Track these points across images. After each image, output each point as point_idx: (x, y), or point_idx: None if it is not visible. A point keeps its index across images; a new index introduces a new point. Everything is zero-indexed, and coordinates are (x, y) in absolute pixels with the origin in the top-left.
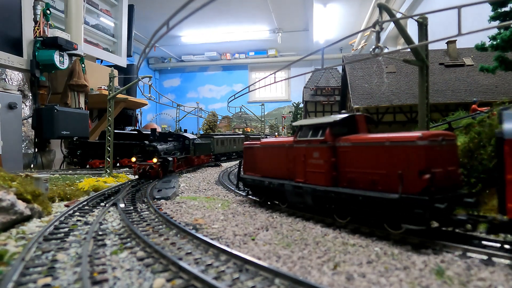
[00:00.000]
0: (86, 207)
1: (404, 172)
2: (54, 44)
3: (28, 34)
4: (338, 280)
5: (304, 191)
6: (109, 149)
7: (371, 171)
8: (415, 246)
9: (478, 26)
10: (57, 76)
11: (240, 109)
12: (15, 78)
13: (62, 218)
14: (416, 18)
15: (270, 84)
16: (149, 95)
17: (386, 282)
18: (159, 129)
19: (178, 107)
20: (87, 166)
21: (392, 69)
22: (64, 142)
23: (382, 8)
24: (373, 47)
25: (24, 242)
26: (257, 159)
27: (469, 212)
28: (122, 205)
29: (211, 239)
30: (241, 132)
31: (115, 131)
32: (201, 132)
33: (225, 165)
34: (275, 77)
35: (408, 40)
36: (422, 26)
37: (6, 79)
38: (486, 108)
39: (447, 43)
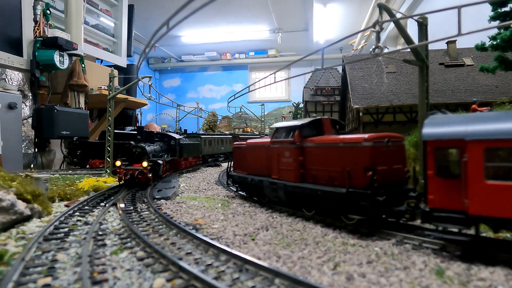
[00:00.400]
0: (86, 207)
1: (352, 169)
2: (54, 44)
3: (28, 34)
4: (338, 280)
5: (278, 186)
6: (109, 149)
7: (329, 169)
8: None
9: (478, 26)
10: (57, 76)
11: (240, 109)
12: (15, 78)
13: (62, 218)
14: (416, 18)
15: (270, 84)
16: (149, 95)
17: (386, 282)
18: (158, 129)
19: (178, 107)
20: (87, 166)
21: (392, 69)
22: (64, 142)
23: (382, 8)
24: (373, 47)
25: (24, 242)
26: (243, 158)
27: (411, 205)
28: (122, 205)
29: (211, 239)
30: (227, 132)
31: (115, 131)
32: (201, 132)
33: (225, 165)
34: (275, 77)
35: (408, 40)
36: (422, 26)
37: (6, 79)
38: (486, 108)
39: (447, 43)
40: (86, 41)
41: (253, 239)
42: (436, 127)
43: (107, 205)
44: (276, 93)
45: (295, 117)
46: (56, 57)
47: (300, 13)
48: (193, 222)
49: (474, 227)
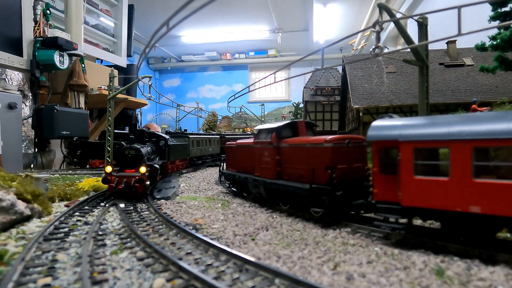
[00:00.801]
0: (86, 207)
1: (316, 168)
2: (54, 44)
3: (28, 34)
4: (338, 280)
5: (259, 183)
6: (109, 149)
7: (299, 167)
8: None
9: (478, 26)
10: (57, 76)
11: (240, 109)
12: (15, 78)
13: (62, 218)
14: (416, 18)
15: (270, 84)
16: (149, 95)
17: (386, 282)
18: (159, 129)
19: (178, 107)
20: (87, 166)
21: (392, 69)
22: (64, 142)
23: (382, 8)
24: (373, 47)
25: (24, 242)
26: (233, 157)
27: (367, 199)
28: (122, 205)
29: (211, 239)
30: (215, 132)
31: (115, 131)
32: (201, 132)
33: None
34: (275, 77)
35: (408, 40)
36: (422, 26)
37: (6, 79)
38: (486, 108)
39: (447, 43)
40: (86, 41)
41: (253, 239)
42: (380, 130)
43: (107, 205)
44: (276, 93)
45: (295, 117)
46: (56, 57)
47: (300, 13)
48: (193, 222)
49: (407, 217)
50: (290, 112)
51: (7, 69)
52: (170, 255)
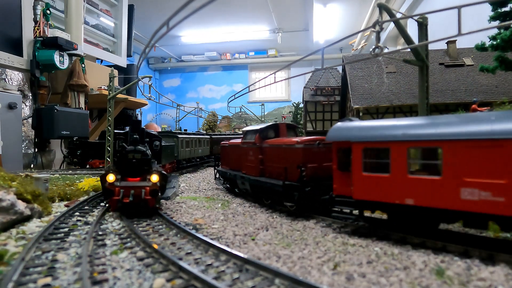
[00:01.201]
0: (86, 207)
1: (289, 166)
2: (54, 44)
3: (28, 34)
4: (338, 280)
5: (245, 180)
6: (109, 149)
7: (277, 165)
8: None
9: (478, 26)
10: (57, 76)
11: (240, 109)
12: (15, 78)
13: (62, 218)
14: (416, 18)
15: (270, 84)
16: (149, 95)
17: (386, 282)
18: (159, 129)
19: (178, 107)
20: (87, 166)
21: (392, 69)
22: (64, 142)
23: (382, 8)
24: (373, 47)
25: (24, 242)
26: (227, 155)
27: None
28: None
29: (211, 239)
30: (205, 132)
31: (114, 131)
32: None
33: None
34: (275, 77)
35: (408, 40)
36: (422, 26)
37: (6, 79)
38: (486, 108)
39: (447, 43)
40: (86, 41)
41: (253, 239)
42: (338, 131)
43: (107, 205)
44: (276, 93)
45: (295, 117)
46: (56, 57)
47: (300, 13)
48: (193, 222)
49: (359, 209)
50: (290, 112)
51: (7, 69)
52: (170, 255)
